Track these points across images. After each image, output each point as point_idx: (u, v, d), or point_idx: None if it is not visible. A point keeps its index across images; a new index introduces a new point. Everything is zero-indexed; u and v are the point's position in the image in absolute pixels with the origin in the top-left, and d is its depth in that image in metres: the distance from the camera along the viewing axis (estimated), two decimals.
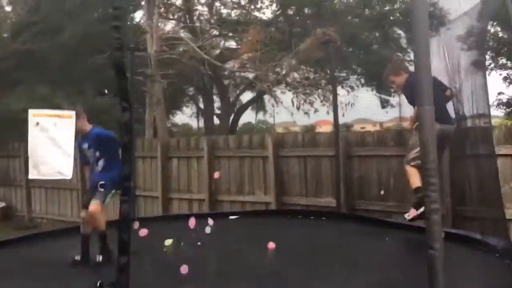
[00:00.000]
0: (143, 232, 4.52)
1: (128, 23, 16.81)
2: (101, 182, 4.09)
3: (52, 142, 3.40)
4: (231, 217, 5.66)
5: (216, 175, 4.59)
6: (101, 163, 4.23)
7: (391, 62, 5.52)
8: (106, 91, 4.20)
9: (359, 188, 6.35)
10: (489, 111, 3.67)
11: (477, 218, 4.37)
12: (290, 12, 15.46)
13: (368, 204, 6.25)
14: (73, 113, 3.75)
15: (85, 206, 4.15)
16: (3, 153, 10.67)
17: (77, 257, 4.08)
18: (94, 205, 4.01)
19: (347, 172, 6.35)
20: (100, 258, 4.00)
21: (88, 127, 4.25)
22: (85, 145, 4.26)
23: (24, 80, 12.71)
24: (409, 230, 4.56)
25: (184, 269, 3.55)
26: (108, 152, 4.22)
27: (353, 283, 3.37)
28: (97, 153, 4.21)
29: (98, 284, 2.39)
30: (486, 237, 3.75)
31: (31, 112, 3.67)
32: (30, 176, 3.68)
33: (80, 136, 4.24)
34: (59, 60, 13.29)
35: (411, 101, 4.45)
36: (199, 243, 4.58)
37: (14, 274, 3.86)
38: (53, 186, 9.66)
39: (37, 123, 3.56)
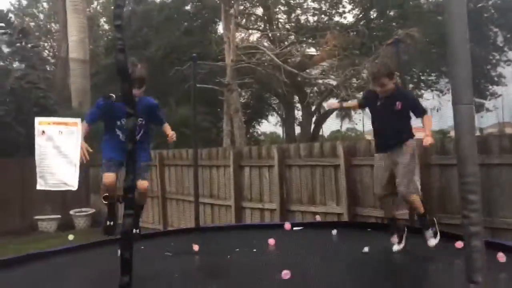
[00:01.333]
0: None
1: (213, 34, 17.34)
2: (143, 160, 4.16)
3: (58, 151, 3.37)
4: (295, 228, 5.42)
5: (196, 247, 4.45)
6: (142, 132, 4.15)
7: (384, 60, 4.85)
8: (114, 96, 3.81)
9: (439, 200, 5.79)
10: None
11: None
12: (373, 15, 14.91)
13: (449, 217, 5.66)
14: (78, 120, 3.73)
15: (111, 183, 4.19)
16: (94, 162, 11.34)
17: (109, 223, 4.35)
18: (145, 184, 4.18)
19: (425, 183, 5.82)
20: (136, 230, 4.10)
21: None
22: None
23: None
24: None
25: None
26: (152, 123, 4.32)
27: None
28: (143, 122, 4.14)
29: None
30: None
31: (37, 120, 3.63)
32: (38, 187, 3.65)
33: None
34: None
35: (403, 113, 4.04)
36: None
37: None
38: None
39: (43, 132, 3.53)
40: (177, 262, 4.32)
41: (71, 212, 11.22)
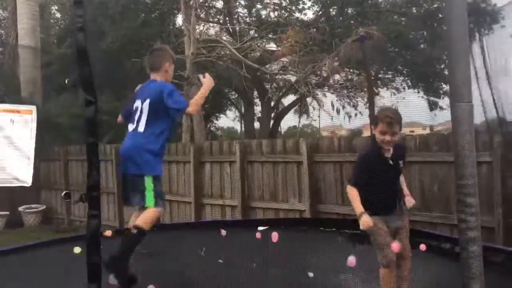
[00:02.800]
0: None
1: (171, 27, 16.93)
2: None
3: (8, 142, 3.06)
4: (259, 227, 5.31)
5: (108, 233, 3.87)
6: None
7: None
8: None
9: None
10: None
11: None
12: (332, 12, 15.00)
13: (409, 214, 5.74)
14: (34, 108, 3.42)
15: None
16: (44, 157, 10.82)
17: None
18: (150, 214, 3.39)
19: None
20: None
21: None
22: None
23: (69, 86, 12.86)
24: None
25: None
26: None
27: None
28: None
29: None
30: None
31: None
32: None
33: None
34: (101, 65, 13.41)
35: None
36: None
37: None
38: None
39: None
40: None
41: (20, 208, 10.66)
